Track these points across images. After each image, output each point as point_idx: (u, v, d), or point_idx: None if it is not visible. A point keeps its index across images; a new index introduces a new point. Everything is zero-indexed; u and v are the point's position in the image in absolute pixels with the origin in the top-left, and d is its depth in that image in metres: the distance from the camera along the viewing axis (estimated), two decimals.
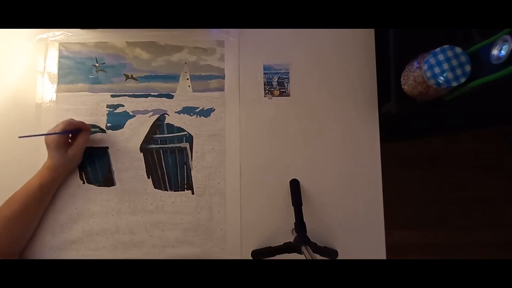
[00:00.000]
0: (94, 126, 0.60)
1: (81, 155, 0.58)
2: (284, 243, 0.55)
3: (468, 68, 0.49)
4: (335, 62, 0.63)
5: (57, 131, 0.53)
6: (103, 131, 0.61)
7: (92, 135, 0.60)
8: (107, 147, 0.61)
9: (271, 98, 0.63)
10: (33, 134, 0.54)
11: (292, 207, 0.57)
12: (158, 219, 0.60)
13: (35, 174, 0.56)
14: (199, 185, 0.61)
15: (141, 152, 0.61)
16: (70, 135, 0.57)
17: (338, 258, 0.58)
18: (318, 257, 0.52)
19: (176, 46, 0.64)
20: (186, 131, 0.62)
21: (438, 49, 0.50)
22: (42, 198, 0.57)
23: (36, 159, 0.59)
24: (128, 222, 0.60)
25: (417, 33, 0.57)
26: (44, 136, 0.54)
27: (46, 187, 0.56)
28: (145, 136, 0.61)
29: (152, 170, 0.61)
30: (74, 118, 0.58)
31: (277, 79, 0.63)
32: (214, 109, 0.62)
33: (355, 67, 0.63)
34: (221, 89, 0.63)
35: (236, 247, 0.59)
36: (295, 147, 0.62)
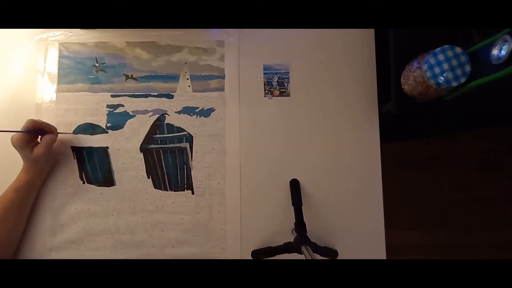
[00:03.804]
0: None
1: (47, 156, 0.55)
2: (284, 243, 0.55)
3: (468, 68, 0.49)
4: (335, 62, 0.63)
5: (20, 130, 0.52)
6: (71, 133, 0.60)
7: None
8: (107, 147, 0.61)
9: (271, 98, 0.63)
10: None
11: (292, 207, 0.57)
12: (158, 219, 0.60)
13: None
14: (199, 185, 0.61)
15: (141, 152, 0.61)
16: (40, 136, 0.56)
17: (338, 258, 0.58)
18: (318, 257, 0.52)
19: (176, 46, 0.64)
20: (186, 131, 0.62)
21: (438, 49, 0.50)
22: (20, 202, 0.55)
23: None
24: (128, 222, 0.60)
25: (417, 33, 0.57)
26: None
27: (23, 190, 0.55)
28: (145, 136, 0.61)
29: (152, 170, 0.61)
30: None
31: (277, 79, 0.63)
32: (214, 109, 0.62)
33: (355, 67, 0.63)
34: (221, 89, 0.63)
35: (236, 247, 0.59)
36: (295, 147, 0.62)
